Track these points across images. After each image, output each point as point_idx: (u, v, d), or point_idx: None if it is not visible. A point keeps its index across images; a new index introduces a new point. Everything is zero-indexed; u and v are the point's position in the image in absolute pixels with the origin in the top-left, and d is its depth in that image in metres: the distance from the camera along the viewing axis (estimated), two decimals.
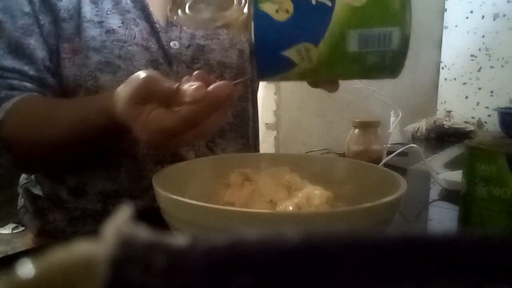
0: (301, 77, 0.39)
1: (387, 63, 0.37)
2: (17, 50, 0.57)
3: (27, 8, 0.58)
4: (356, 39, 0.36)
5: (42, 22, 0.58)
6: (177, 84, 0.40)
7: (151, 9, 0.61)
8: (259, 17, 0.35)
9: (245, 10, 0.37)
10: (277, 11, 0.35)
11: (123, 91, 0.44)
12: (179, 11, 0.40)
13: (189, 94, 0.39)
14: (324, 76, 0.39)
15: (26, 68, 0.57)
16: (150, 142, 0.42)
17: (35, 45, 0.58)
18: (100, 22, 0.59)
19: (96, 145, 0.57)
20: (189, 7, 0.40)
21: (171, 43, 0.63)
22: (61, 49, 0.59)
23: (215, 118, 0.40)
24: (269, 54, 0.37)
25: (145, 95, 0.41)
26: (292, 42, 0.36)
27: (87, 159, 0.61)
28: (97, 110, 0.49)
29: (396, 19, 0.36)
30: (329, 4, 0.35)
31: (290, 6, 0.35)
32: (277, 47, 0.36)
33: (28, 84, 0.58)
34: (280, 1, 0.35)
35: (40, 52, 0.58)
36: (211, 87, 0.39)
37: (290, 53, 0.36)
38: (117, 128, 0.46)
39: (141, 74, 0.42)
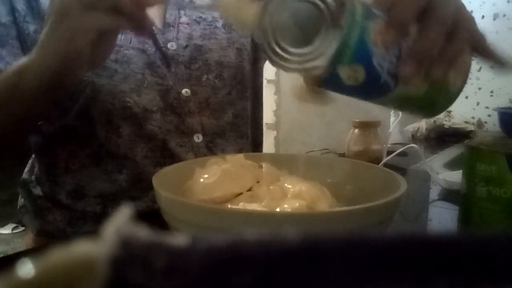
0: None
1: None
2: None
3: (4, 19, 0.57)
4: (398, 110, 0.44)
5: (26, 32, 0.58)
6: None
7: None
8: (329, 78, 0.36)
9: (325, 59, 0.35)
10: (348, 77, 0.36)
11: None
12: (276, 48, 0.36)
13: None
14: None
15: None
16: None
17: (6, 54, 0.57)
18: None
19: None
20: (282, 39, 0.36)
21: (169, 44, 0.63)
22: None
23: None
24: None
25: None
26: (347, 95, 0.39)
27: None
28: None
29: (440, 111, 0.42)
30: (392, 86, 0.37)
31: (361, 77, 0.36)
32: (334, 91, 0.39)
33: None
34: (356, 70, 0.36)
35: (1, 65, 0.57)
36: None
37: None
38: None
39: None
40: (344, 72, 0.35)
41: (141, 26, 0.45)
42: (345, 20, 0.33)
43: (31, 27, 0.58)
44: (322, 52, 0.34)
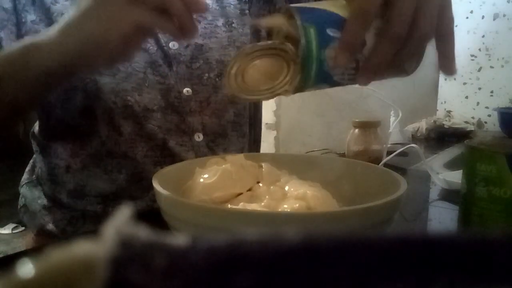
0: None
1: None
2: None
3: (7, 5, 0.57)
4: None
5: (23, 20, 0.57)
6: None
7: None
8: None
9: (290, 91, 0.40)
10: (315, 90, 0.41)
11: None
12: (234, 81, 0.41)
13: None
14: None
15: None
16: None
17: (4, 37, 0.57)
18: None
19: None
20: (245, 75, 0.41)
21: (170, 44, 0.63)
22: None
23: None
24: None
25: None
26: None
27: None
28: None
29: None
30: (351, 84, 0.41)
31: (326, 87, 0.41)
32: None
33: None
34: (320, 87, 0.41)
35: (5, 44, 0.56)
36: None
37: None
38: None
39: None
40: (310, 89, 0.41)
41: (185, 32, 0.43)
42: (302, 59, 0.38)
43: (29, 17, 0.58)
44: (286, 87, 0.40)
